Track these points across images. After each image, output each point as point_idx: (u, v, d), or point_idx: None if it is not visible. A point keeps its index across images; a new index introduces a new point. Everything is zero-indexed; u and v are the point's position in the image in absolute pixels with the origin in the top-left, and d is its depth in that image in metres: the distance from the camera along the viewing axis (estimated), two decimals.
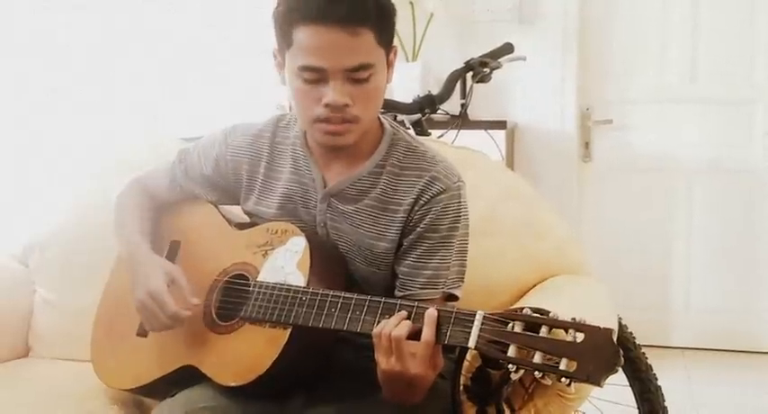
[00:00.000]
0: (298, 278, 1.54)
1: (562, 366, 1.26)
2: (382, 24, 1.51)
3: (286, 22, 1.49)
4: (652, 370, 2.13)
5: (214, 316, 1.64)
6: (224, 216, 1.77)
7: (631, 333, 2.14)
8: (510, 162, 3.66)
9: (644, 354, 2.13)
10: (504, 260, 1.98)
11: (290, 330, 1.51)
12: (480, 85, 2.52)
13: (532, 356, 1.28)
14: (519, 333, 1.31)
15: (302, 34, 1.47)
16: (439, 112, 2.50)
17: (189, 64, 3.11)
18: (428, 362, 1.38)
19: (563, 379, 1.26)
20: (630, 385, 2.12)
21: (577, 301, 1.81)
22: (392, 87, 2.50)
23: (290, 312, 1.51)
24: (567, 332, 1.28)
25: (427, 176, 1.58)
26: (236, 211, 1.79)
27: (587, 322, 1.28)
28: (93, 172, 2.29)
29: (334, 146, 1.58)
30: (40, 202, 2.29)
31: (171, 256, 1.78)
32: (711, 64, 3.74)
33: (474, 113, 3.33)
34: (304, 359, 1.54)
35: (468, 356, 1.51)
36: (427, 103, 2.43)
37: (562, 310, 1.32)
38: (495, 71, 2.54)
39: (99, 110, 2.74)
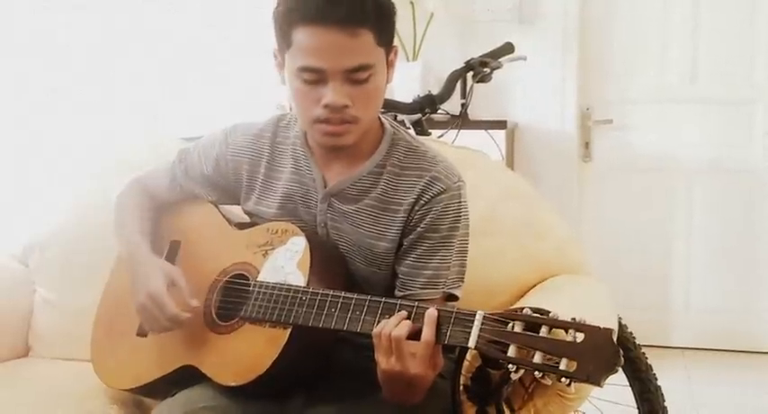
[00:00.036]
0: (298, 278, 1.54)
1: (562, 366, 1.26)
2: (382, 25, 1.50)
3: (286, 23, 1.49)
4: (652, 370, 2.13)
5: (214, 316, 1.63)
6: (224, 216, 1.77)
7: (631, 333, 2.14)
8: (510, 162, 3.66)
9: (644, 354, 2.13)
10: (504, 260, 1.98)
11: (290, 330, 1.51)
12: (480, 84, 2.52)
13: (532, 356, 1.28)
14: (519, 333, 1.31)
15: (301, 35, 1.47)
16: (439, 111, 2.50)
17: (189, 64, 3.11)
18: (428, 362, 1.38)
19: (563, 379, 1.26)
20: (630, 385, 2.11)
21: (577, 301, 1.81)
22: (392, 87, 2.49)
23: (291, 312, 1.51)
24: (567, 332, 1.28)
25: (428, 176, 1.58)
26: (237, 211, 1.79)
27: (587, 322, 1.28)
28: (93, 172, 2.29)
29: (333, 146, 1.58)
30: (40, 202, 2.29)
31: (171, 256, 1.78)
32: (712, 64, 3.74)
33: (474, 113, 3.33)
34: (304, 359, 1.54)
35: (468, 356, 1.51)
36: (427, 103, 2.43)
37: (562, 310, 1.32)
38: (495, 71, 2.54)
39: (99, 110, 2.74)
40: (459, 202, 1.59)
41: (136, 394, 1.81)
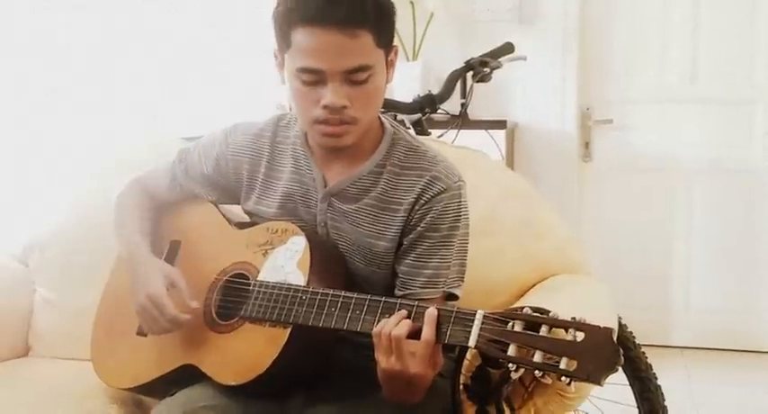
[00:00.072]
0: (298, 277, 1.54)
1: (562, 365, 1.26)
2: (381, 25, 1.50)
3: (285, 23, 1.49)
4: (652, 369, 2.13)
5: (214, 315, 1.63)
6: (224, 215, 1.77)
7: (631, 332, 2.14)
8: (510, 162, 3.66)
9: (644, 353, 2.13)
10: (504, 260, 1.98)
11: (289, 330, 1.51)
12: (480, 84, 2.52)
13: (532, 355, 1.28)
14: (519, 332, 1.31)
15: (300, 36, 1.47)
16: (439, 111, 2.50)
17: (189, 64, 3.10)
18: (428, 361, 1.38)
19: (563, 378, 1.26)
20: (630, 385, 2.12)
21: (577, 301, 1.81)
22: (392, 87, 2.50)
23: (290, 312, 1.51)
24: (567, 331, 1.28)
25: (428, 176, 1.58)
26: (237, 211, 1.79)
27: (587, 321, 1.28)
28: (93, 172, 2.29)
29: (333, 147, 1.58)
30: (40, 202, 2.29)
31: (171, 256, 1.78)
32: (712, 64, 3.74)
33: (474, 113, 3.33)
34: (304, 358, 1.54)
35: (468, 355, 1.51)
36: (427, 103, 2.43)
37: (562, 309, 1.32)
38: (495, 71, 2.54)
39: (99, 110, 2.74)
40: (460, 201, 1.59)
41: (136, 393, 1.81)
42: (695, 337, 3.85)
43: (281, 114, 1.74)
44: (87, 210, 2.20)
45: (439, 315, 1.38)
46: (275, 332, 1.52)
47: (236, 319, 1.59)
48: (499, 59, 2.56)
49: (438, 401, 1.53)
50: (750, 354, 3.79)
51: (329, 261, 1.60)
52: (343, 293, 1.48)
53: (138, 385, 1.73)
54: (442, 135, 2.52)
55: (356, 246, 1.61)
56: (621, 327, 2.08)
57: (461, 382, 1.53)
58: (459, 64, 2.55)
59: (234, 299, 1.62)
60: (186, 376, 1.61)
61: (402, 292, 1.57)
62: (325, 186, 1.63)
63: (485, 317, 1.35)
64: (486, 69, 2.51)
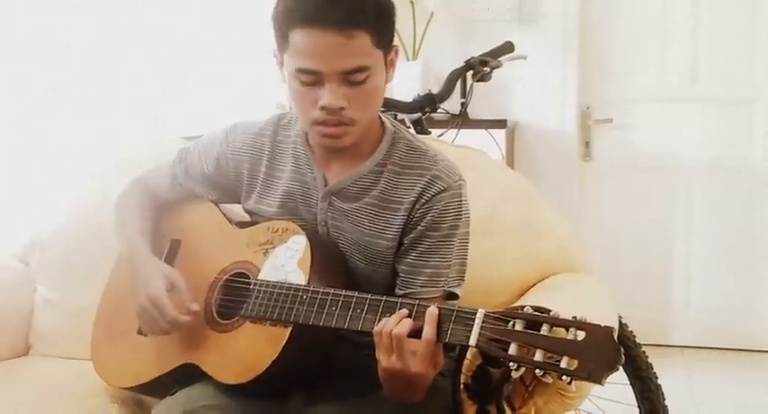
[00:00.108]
0: (298, 276, 1.54)
1: (563, 364, 1.26)
2: (380, 26, 1.50)
3: (284, 23, 1.49)
4: (652, 368, 2.13)
5: (215, 314, 1.64)
6: (224, 215, 1.77)
7: (632, 332, 2.14)
8: (510, 161, 3.66)
9: (644, 352, 2.14)
10: (504, 259, 1.97)
11: (290, 329, 1.51)
12: (480, 83, 2.53)
13: (533, 354, 1.28)
14: (520, 331, 1.31)
15: (298, 36, 1.47)
16: (439, 110, 2.50)
17: (189, 64, 3.10)
18: (429, 360, 1.38)
19: (564, 377, 1.26)
20: (631, 384, 2.12)
21: (578, 300, 1.81)
22: (392, 86, 2.50)
23: (291, 311, 1.51)
24: (567, 330, 1.28)
25: (428, 175, 1.58)
26: (237, 210, 1.79)
27: (588, 320, 1.28)
28: (93, 172, 2.29)
29: (332, 148, 1.58)
30: (40, 201, 2.29)
31: (171, 255, 1.78)
32: (712, 63, 3.74)
33: (474, 112, 3.32)
34: (304, 358, 1.54)
35: (468, 355, 1.51)
36: (427, 102, 2.44)
37: (563, 308, 1.32)
38: (495, 70, 2.54)
39: (99, 110, 2.74)
40: (460, 200, 1.59)
41: (136, 393, 1.81)
42: (695, 337, 3.85)
43: (282, 114, 1.74)
44: (87, 210, 2.20)
45: (440, 314, 1.38)
46: (276, 331, 1.52)
47: (237, 318, 1.59)
48: (499, 59, 2.56)
49: (439, 400, 1.53)
50: (750, 353, 3.79)
51: (330, 260, 1.60)
52: (343, 292, 1.48)
53: (139, 384, 1.73)
54: (442, 134, 2.52)
55: (357, 245, 1.61)
56: (622, 326, 2.08)
57: (462, 381, 1.53)
58: (460, 63, 2.55)
59: (234, 298, 1.62)
60: (187, 375, 1.62)
61: (403, 291, 1.57)
62: (326, 185, 1.63)
63: (485, 316, 1.35)
64: (487, 69, 2.51)
